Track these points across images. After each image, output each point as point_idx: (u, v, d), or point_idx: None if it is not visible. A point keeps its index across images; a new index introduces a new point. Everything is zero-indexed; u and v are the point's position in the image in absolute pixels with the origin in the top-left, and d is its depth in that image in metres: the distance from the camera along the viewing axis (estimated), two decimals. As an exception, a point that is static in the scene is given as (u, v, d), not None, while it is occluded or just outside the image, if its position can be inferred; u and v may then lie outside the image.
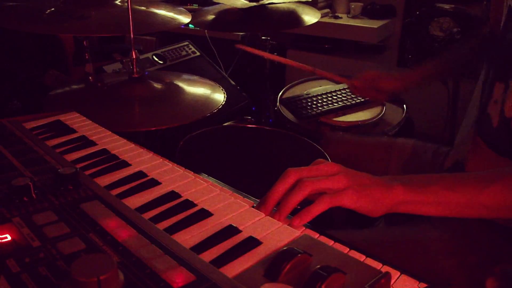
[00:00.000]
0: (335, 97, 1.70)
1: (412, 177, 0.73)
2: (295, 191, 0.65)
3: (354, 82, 1.49)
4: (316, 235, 0.59)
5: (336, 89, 1.76)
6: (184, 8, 1.41)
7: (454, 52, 1.34)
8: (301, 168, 0.68)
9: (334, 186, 0.66)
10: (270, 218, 0.61)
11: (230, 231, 0.56)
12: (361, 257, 0.54)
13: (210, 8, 1.70)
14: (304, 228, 0.62)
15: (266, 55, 1.63)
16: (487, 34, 1.10)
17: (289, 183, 0.67)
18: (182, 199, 0.63)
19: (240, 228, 0.57)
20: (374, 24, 2.56)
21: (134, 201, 0.62)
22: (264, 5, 1.61)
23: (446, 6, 1.86)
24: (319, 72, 1.58)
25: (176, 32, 2.50)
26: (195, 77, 1.47)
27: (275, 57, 1.64)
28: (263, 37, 1.77)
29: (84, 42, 1.41)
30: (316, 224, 0.62)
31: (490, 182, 0.71)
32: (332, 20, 2.65)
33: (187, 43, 2.13)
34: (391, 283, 0.51)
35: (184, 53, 2.06)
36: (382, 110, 1.65)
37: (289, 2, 1.67)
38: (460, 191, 0.70)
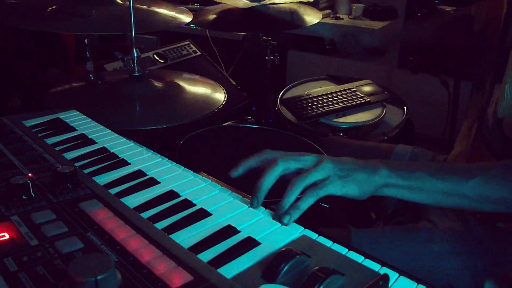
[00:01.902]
0: (335, 98, 1.70)
1: (400, 162, 0.74)
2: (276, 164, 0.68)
3: None
4: (314, 236, 0.59)
5: (337, 90, 1.76)
6: (186, 8, 1.41)
7: None
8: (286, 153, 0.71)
9: (319, 174, 0.68)
10: (269, 218, 0.61)
11: (229, 231, 0.56)
12: (359, 259, 0.54)
13: (211, 7, 1.69)
14: (303, 229, 0.62)
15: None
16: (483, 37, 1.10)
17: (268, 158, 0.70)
18: (181, 198, 0.63)
19: (239, 228, 0.57)
20: (376, 25, 2.56)
21: (133, 200, 0.62)
22: (265, 5, 1.61)
23: (448, 8, 1.85)
24: None
25: (177, 31, 2.50)
26: (196, 77, 1.47)
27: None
28: (264, 37, 1.77)
29: (85, 40, 1.41)
30: (315, 224, 0.62)
31: (474, 173, 0.71)
32: (334, 21, 2.65)
33: (188, 42, 2.13)
34: (390, 284, 0.51)
35: (185, 52, 2.06)
36: (382, 112, 1.65)
37: (291, 2, 1.67)
38: (444, 179, 0.71)
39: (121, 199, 0.60)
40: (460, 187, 0.71)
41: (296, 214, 0.64)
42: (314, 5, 1.74)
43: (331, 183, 0.67)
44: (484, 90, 1.00)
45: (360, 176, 0.69)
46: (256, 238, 0.55)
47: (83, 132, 0.82)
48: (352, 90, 1.77)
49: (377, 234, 0.99)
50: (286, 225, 0.62)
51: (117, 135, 0.83)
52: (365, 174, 0.70)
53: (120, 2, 1.30)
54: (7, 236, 0.49)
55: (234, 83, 2.09)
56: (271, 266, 0.48)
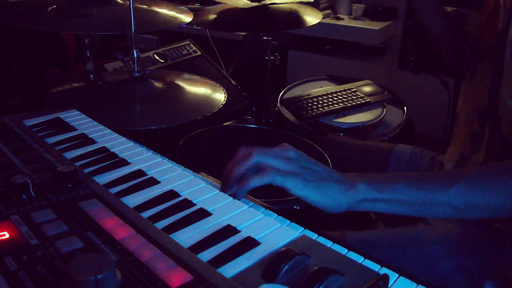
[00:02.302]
0: (335, 98, 1.70)
1: (377, 175, 0.71)
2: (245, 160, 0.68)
3: None
4: (314, 236, 0.59)
5: (337, 90, 1.76)
6: (186, 7, 1.41)
7: None
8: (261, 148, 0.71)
9: (283, 168, 0.67)
10: (269, 218, 0.61)
11: (229, 231, 0.56)
12: (359, 259, 0.54)
13: (212, 7, 1.69)
14: (302, 229, 0.61)
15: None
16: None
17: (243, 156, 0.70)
18: (181, 198, 0.63)
19: (239, 228, 0.57)
20: (376, 25, 2.56)
21: (133, 200, 0.62)
22: (266, 5, 1.60)
23: (448, 9, 1.85)
24: None
25: (177, 31, 2.50)
26: (196, 77, 1.47)
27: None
28: (264, 37, 1.77)
29: (85, 40, 1.41)
30: (314, 224, 0.62)
31: (455, 180, 0.68)
32: (334, 21, 2.65)
33: (188, 42, 2.13)
34: (389, 285, 0.51)
35: (185, 52, 2.06)
36: (382, 112, 1.65)
37: (291, 2, 1.67)
38: (424, 189, 0.68)
39: (121, 199, 0.60)
40: (441, 196, 0.68)
41: (246, 185, 0.65)
42: (314, 5, 1.74)
43: (293, 178, 0.66)
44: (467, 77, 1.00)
45: (330, 187, 0.67)
46: (256, 238, 0.55)
47: (83, 132, 0.82)
48: (352, 90, 1.77)
49: (371, 236, 0.99)
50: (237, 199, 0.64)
51: (117, 134, 0.83)
52: (337, 187, 0.67)
53: (121, 2, 1.30)
54: (7, 235, 0.49)
55: (234, 83, 2.09)
56: (271, 266, 0.48)
